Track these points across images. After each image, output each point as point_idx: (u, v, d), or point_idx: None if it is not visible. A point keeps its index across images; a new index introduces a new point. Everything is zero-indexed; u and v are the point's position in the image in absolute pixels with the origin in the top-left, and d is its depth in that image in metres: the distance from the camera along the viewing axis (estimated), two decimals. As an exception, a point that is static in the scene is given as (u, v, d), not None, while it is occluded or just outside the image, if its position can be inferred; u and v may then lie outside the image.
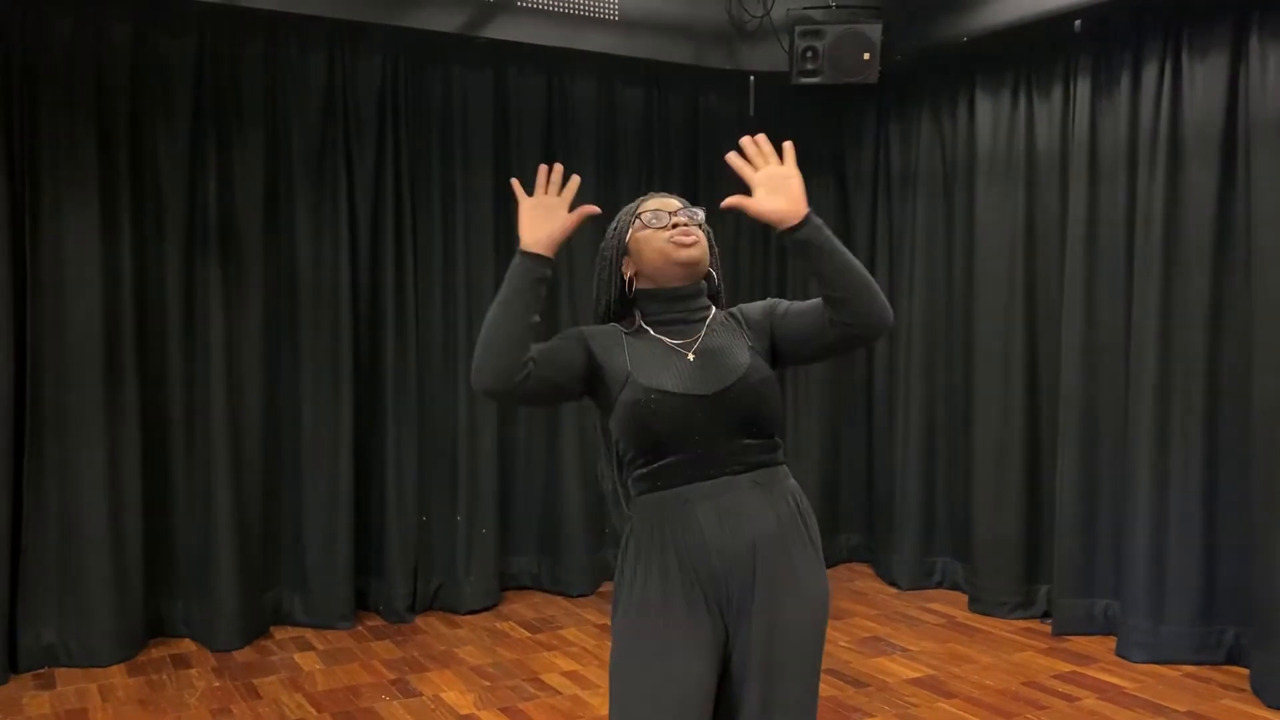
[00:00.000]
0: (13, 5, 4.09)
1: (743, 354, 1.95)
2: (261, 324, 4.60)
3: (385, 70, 4.79)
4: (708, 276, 2.06)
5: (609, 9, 4.97)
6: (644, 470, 1.93)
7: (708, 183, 5.62)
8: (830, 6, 4.94)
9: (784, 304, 2.03)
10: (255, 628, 4.58)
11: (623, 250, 2.02)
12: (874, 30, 4.86)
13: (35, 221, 4.17)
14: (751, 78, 5.50)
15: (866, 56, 4.85)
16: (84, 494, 4.21)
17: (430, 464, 4.97)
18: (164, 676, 4.14)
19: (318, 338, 4.70)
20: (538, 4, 4.78)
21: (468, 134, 4.99)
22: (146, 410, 4.40)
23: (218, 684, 4.07)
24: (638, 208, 2.04)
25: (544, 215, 1.92)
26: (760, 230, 5.82)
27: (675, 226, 1.96)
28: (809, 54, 4.89)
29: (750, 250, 5.80)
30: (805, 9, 4.97)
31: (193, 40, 4.42)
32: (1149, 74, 4.34)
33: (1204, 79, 4.16)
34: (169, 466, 4.51)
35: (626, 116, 5.40)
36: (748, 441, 1.92)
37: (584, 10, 4.90)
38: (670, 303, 1.99)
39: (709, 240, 2.04)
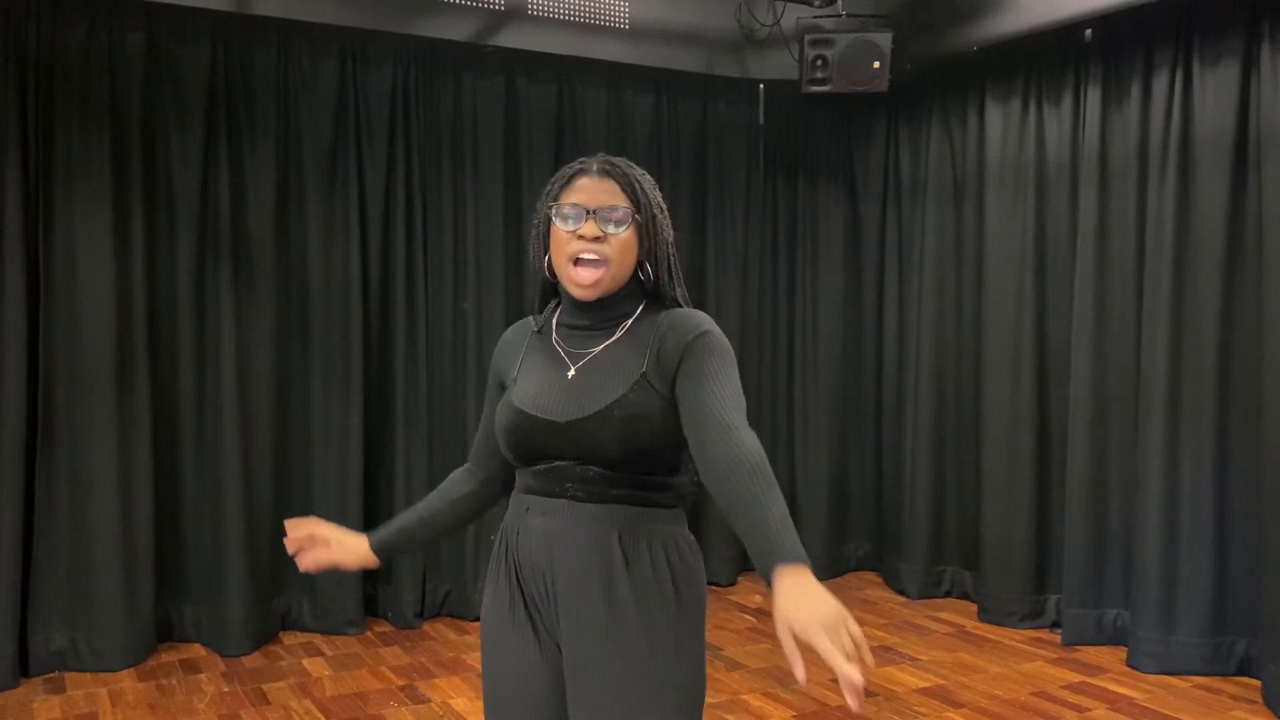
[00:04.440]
0: (26, 14, 4.12)
1: (622, 381, 1.73)
2: (272, 330, 4.62)
3: (396, 78, 4.81)
4: (641, 268, 1.80)
5: (619, 18, 4.98)
6: (513, 469, 1.88)
7: (717, 191, 5.63)
8: (840, 15, 4.94)
9: (696, 363, 1.71)
10: (264, 633, 4.59)
11: (545, 231, 1.82)
12: (884, 39, 4.86)
13: (48, 227, 4.19)
14: (761, 86, 5.51)
15: (876, 65, 4.86)
16: (95, 498, 4.23)
17: (440, 470, 4.97)
18: (173, 681, 4.16)
19: (328, 344, 4.72)
20: (548, 12, 4.80)
21: (478, 142, 5.01)
22: (157, 416, 4.42)
23: (227, 689, 4.08)
24: (567, 182, 1.80)
25: (335, 554, 1.95)
26: (769, 229, 5.83)
27: (582, 239, 1.73)
28: (819, 62, 4.89)
29: (760, 247, 5.80)
30: (815, 18, 4.98)
31: (205, 48, 4.45)
32: (1159, 83, 4.34)
33: (1215, 88, 4.15)
34: (179, 471, 4.53)
35: (636, 125, 5.41)
36: (602, 472, 1.73)
37: (594, 19, 4.92)
38: (576, 311, 1.82)
39: (646, 231, 1.79)
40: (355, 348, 4.74)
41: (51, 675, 4.18)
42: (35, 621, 4.17)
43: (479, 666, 4.50)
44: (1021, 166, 4.94)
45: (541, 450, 1.77)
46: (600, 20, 4.94)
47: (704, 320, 1.79)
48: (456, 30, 4.65)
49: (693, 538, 1.82)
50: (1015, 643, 4.71)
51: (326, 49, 4.67)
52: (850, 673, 1.42)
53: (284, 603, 4.74)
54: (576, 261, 1.74)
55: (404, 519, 2.02)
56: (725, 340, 1.78)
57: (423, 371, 4.91)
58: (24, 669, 4.15)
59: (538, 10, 4.78)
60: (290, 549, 1.93)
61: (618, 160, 1.84)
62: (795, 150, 5.81)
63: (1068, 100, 4.75)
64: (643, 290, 1.83)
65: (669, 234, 1.85)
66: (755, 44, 5.33)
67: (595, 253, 1.74)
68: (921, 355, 5.43)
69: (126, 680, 4.15)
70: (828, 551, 5.79)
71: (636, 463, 1.73)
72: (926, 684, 4.20)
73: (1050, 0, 4.41)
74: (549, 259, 1.81)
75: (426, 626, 4.87)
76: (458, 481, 2.02)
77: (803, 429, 5.84)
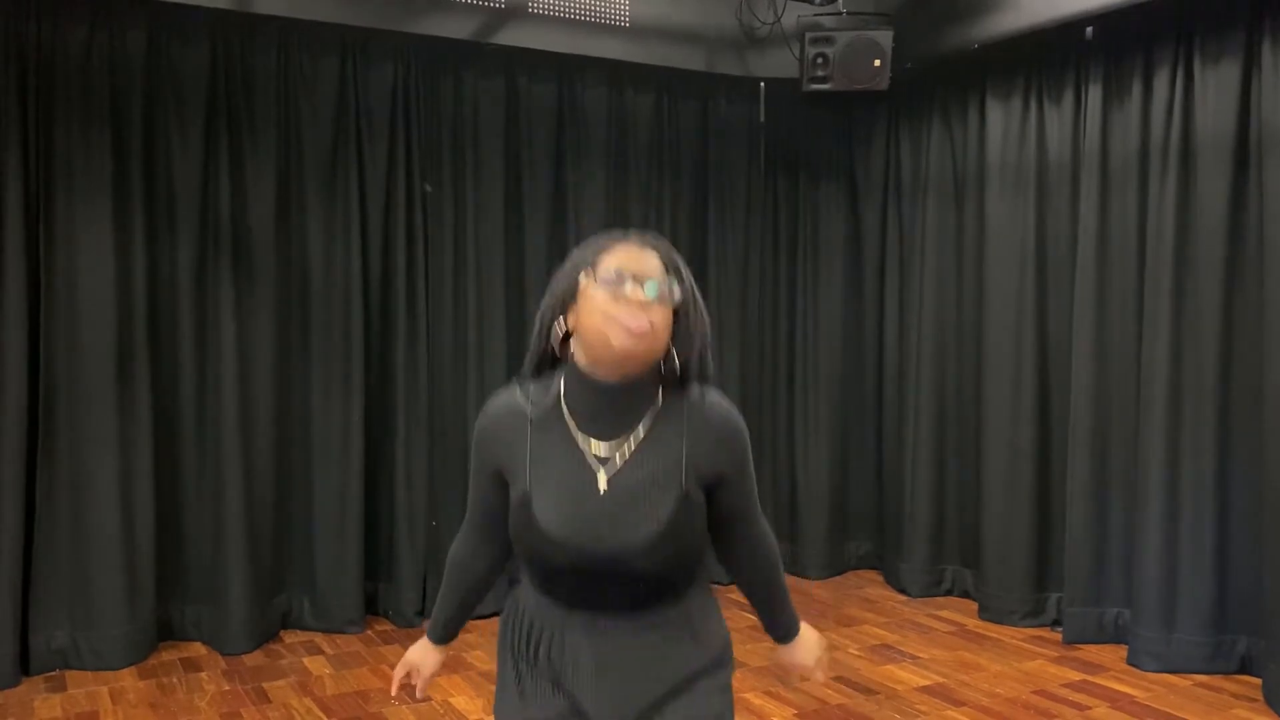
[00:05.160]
0: (27, 13, 4.12)
1: (663, 500, 1.60)
2: (273, 329, 4.62)
3: (397, 77, 4.81)
4: (666, 352, 1.62)
5: (620, 16, 4.98)
6: (525, 566, 1.73)
7: (717, 188, 5.63)
8: (841, 14, 4.94)
9: (735, 472, 1.69)
10: (265, 632, 4.59)
11: (570, 296, 1.62)
12: (884, 37, 4.86)
13: (49, 227, 4.19)
14: (762, 84, 5.51)
15: (877, 63, 4.86)
16: (96, 497, 4.23)
17: (440, 469, 4.98)
18: (174, 680, 4.16)
19: (329, 343, 4.72)
20: (549, 10, 4.80)
21: (479, 140, 5.00)
22: (158, 415, 4.42)
23: (227, 688, 4.09)
24: (602, 249, 1.61)
25: (426, 673, 2.05)
26: (769, 227, 5.83)
27: (629, 302, 1.54)
28: (819, 60, 4.89)
29: (760, 246, 5.80)
30: (816, 16, 4.98)
31: (205, 47, 4.45)
32: (1160, 81, 4.33)
33: (1216, 86, 4.15)
34: (180, 470, 4.53)
35: (637, 123, 5.40)
36: (641, 587, 1.64)
37: (595, 17, 4.92)
38: (592, 395, 1.62)
39: (686, 316, 1.62)
40: (355, 347, 4.74)
41: (52, 674, 4.18)
42: (36, 620, 4.18)
43: (480, 665, 4.49)
44: (1022, 165, 4.93)
45: (577, 572, 1.62)
46: (601, 18, 4.94)
47: (731, 413, 1.70)
48: (457, 28, 4.65)
49: (716, 600, 1.80)
50: (1016, 641, 4.71)
51: (327, 47, 4.67)
52: (821, 678, 1.90)
53: (285, 601, 4.74)
54: (618, 321, 1.54)
55: (448, 613, 1.97)
56: (747, 433, 1.73)
57: (423, 370, 4.91)
58: (25, 667, 4.15)
59: (538, 8, 4.78)
60: (394, 692, 2.02)
61: (654, 239, 1.68)
62: (796, 149, 5.80)
63: (1069, 98, 4.75)
64: (660, 373, 1.65)
65: (705, 315, 1.67)
66: (756, 42, 5.33)
67: (642, 318, 1.54)
68: (922, 354, 5.43)
69: (127, 679, 4.15)
70: (828, 550, 5.79)
71: (675, 571, 1.67)
72: (927, 682, 4.20)
73: (1051, -2, 4.41)
74: (567, 319, 1.62)
75: (427, 625, 4.86)
76: (476, 561, 1.87)
77: (803, 427, 5.83)
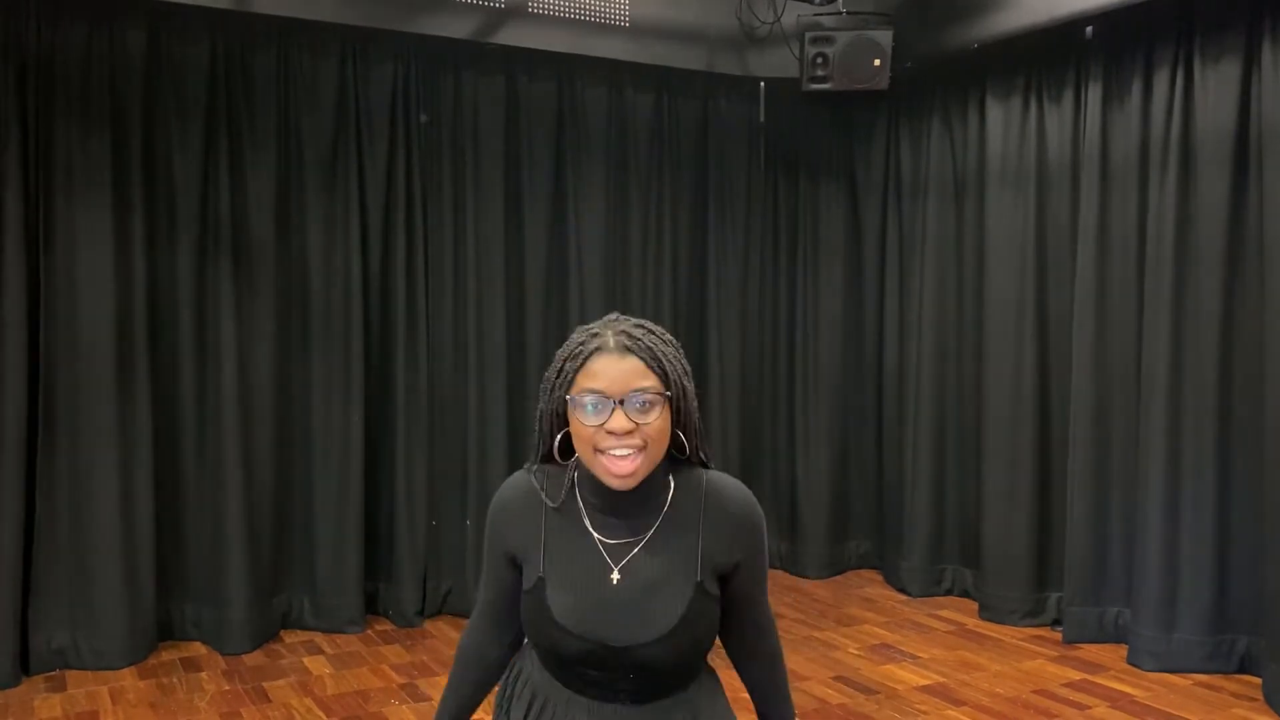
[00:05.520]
0: (27, 13, 4.12)
1: (678, 593, 1.58)
2: (273, 329, 4.61)
3: (397, 76, 4.81)
4: (674, 438, 1.61)
5: (620, 15, 4.98)
6: (535, 649, 1.70)
7: (717, 188, 5.63)
8: (841, 13, 4.94)
9: (750, 564, 1.66)
10: (265, 631, 4.59)
11: (559, 411, 1.61)
12: (884, 37, 4.86)
13: (49, 226, 4.19)
14: (762, 84, 5.51)
15: (877, 63, 4.86)
16: (95, 497, 4.23)
17: (440, 469, 4.98)
18: (174, 679, 4.16)
19: (329, 343, 4.72)
20: (548, 10, 4.80)
21: (479, 139, 5.00)
22: (158, 414, 4.42)
23: (227, 687, 4.09)
24: (582, 364, 1.56)
25: None
26: (769, 227, 5.83)
27: (612, 434, 1.52)
28: (819, 60, 4.89)
29: (761, 245, 5.80)
30: (816, 15, 4.98)
31: (205, 47, 4.45)
32: (1160, 80, 4.33)
33: (1216, 85, 4.15)
34: (180, 470, 4.53)
35: (637, 122, 5.40)
36: (652, 680, 1.61)
37: (595, 16, 4.92)
38: (605, 492, 1.59)
39: (678, 405, 1.59)
40: (355, 347, 4.74)
41: (53, 673, 4.18)
42: (36, 619, 4.18)
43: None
44: (1022, 164, 4.93)
45: (588, 663, 1.60)
46: (601, 18, 4.94)
47: (749, 499, 1.67)
48: (457, 28, 4.65)
49: (722, 690, 1.76)
50: (1016, 641, 4.71)
51: (327, 47, 4.67)
52: None
53: (285, 601, 4.74)
54: (604, 465, 1.53)
55: (457, 705, 1.83)
56: (764, 523, 1.70)
57: (423, 370, 4.91)
58: (25, 667, 4.15)
59: (538, 8, 4.78)
60: None
61: (634, 329, 1.59)
62: (796, 148, 5.80)
63: (1068, 98, 4.75)
64: (670, 456, 1.62)
65: (694, 398, 1.63)
66: (756, 42, 5.33)
67: (630, 445, 1.52)
68: (922, 353, 5.43)
69: (127, 678, 4.15)
70: (828, 549, 5.79)
71: (686, 662, 1.64)
72: (927, 682, 4.20)
73: (1051, -2, 4.41)
74: (565, 437, 1.61)
75: (428, 625, 4.87)
76: (487, 649, 1.79)
77: (803, 427, 5.83)
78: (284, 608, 4.74)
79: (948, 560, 5.42)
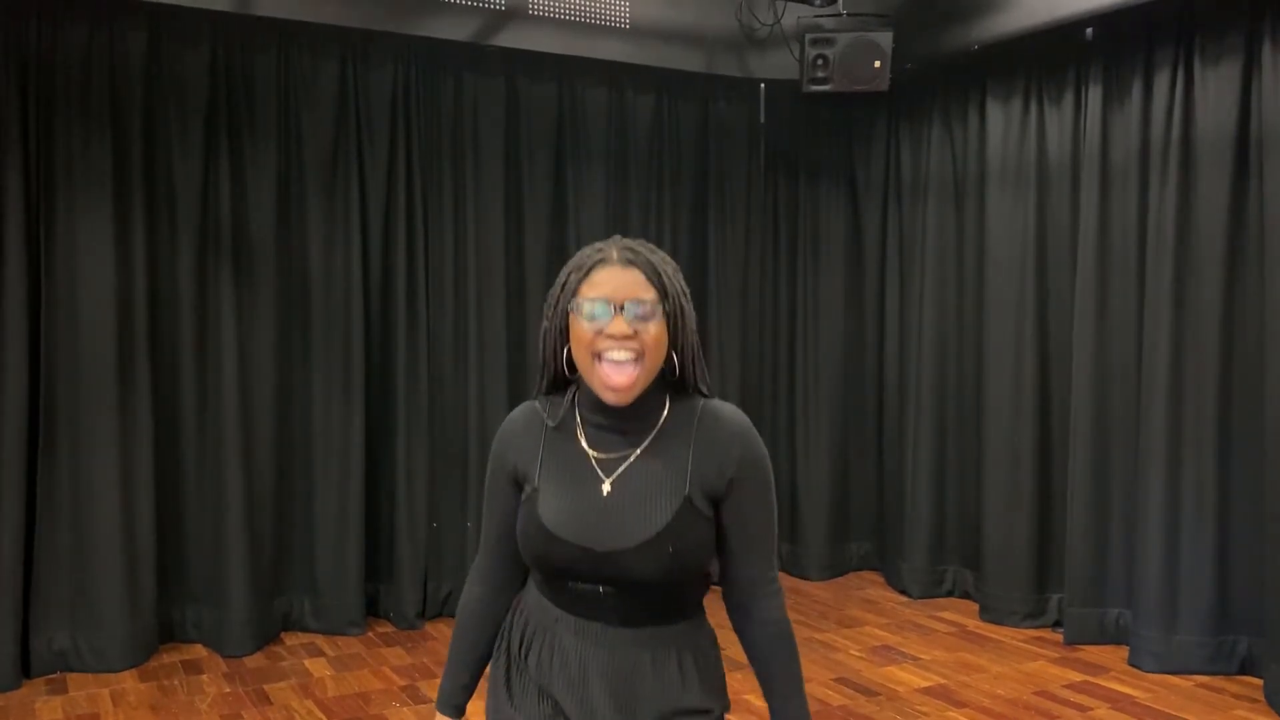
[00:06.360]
0: (27, 14, 4.12)
1: (665, 504, 1.61)
2: (273, 330, 4.62)
3: (397, 78, 4.81)
4: (668, 358, 1.65)
5: (620, 17, 4.98)
6: (529, 566, 1.74)
7: (718, 189, 5.63)
8: (841, 15, 4.94)
9: (750, 499, 1.66)
10: (266, 633, 4.59)
11: (563, 324, 1.65)
12: (885, 38, 4.86)
13: (49, 228, 4.19)
14: (762, 85, 5.51)
15: (877, 64, 4.86)
16: (96, 499, 4.23)
17: (441, 470, 4.98)
18: (175, 682, 4.16)
19: (329, 345, 4.72)
20: (548, 12, 4.80)
21: (479, 142, 5.01)
22: (158, 416, 4.42)
23: (228, 690, 4.08)
24: (586, 274, 1.62)
25: None
26: (769, 228, 5.83)
27: (611, 337, 1.57)
28: (819, 62, 4.89)
29: (761, 246, 5.80)
30: (816, 17, 4.98)
31: (206, 49, 4.45)
32: (1161, 81, 4.33)
33: (1216, 86, 4.15)
34: (181, 471, 4.53)
35: (637, 124, 5.41)
36: (638, 599, 1.64)
37: (595, 18, 4.92)
38: (602, 409, 1.65)
39: (675, 321, 1.63)
40: (356, 348, 4.74)
41: (53, 676, 4.18)
42: (37, 622, 4.18)
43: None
44: (1023, 165, 4.93)
45: (575, 573, 1.63)
46: (601, 20, 4.94)
47: (747, 430, 1.68)
48: (457, 30, 4.65)
49: (713, 633, 1.76)
50: (1017, 642, 4.71)
51: (327, 49, 4.67)
52: None
53: (285, 603, 4.74)
54: (603, 358, 1.58)
55: (460, 672, 1.90)
56: (766, 453, 1.70)
57: (424, 371, 4.91)
58: (26, 669, 4.15)
59: (538, 10, 4.78)
60: None
61: (638, 245, 1.66)
62: (796, 150, 5.80)
63: (1069, 99, 4.75)
64: (666, 380, 1.67)
65: (693, 320, 1.68)
66: (756, 43, 5.33)
67: (628, 349, 1.57)
68: (923, 354, 5.43)
69: (128, 681, 4.15)
70: (829, 551, 5.79)
71: (673, 586, 1.65)
72: (928, 683, 4.20)
73: (1051, -1, 4.41)
74: (567, 353, 1.64)
75: (428, 627, 4.87)
76: (488, 606, 1.82)
77: (804, 428, 5.83)
78: (285, 609, 4.73)
79: (948, 561, 5.42)
